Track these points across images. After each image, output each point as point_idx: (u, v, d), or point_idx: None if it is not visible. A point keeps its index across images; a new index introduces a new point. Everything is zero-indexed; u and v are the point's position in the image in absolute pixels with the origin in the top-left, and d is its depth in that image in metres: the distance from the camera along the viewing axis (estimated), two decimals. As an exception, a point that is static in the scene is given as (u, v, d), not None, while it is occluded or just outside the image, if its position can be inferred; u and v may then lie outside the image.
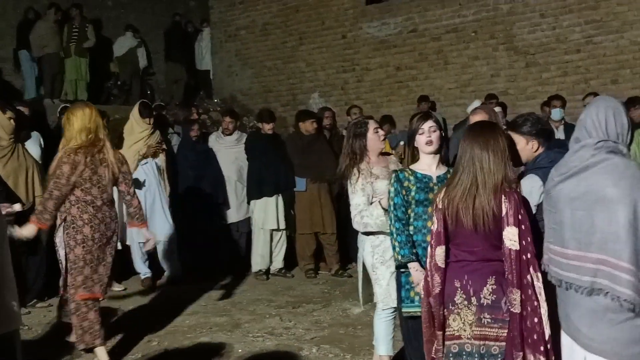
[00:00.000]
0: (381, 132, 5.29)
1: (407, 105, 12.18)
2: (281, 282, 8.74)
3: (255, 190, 8.83)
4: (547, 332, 3.64)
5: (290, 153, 9.02)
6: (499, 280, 3.72)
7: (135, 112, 8.51)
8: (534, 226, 3.84)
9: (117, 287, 8.17)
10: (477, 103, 9.74)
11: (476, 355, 3.76)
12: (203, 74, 15.72)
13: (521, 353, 3.65)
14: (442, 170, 4.56)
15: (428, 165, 4.56)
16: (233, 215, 9.08)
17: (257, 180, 8.79)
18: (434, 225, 3.86)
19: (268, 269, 9.00)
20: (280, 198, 8.88)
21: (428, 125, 4.51)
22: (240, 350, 6.01)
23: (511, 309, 3.67)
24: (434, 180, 4.48)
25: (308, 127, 9.11)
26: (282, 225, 8.90)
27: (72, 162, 5.31)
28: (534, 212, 4.01)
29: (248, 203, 9.05)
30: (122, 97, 14.31)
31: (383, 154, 5.36)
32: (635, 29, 10.66)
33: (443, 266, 3.81)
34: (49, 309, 7.23)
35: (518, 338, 3.66)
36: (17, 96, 11.85)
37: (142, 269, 8.50)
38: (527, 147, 4.19)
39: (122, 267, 8.44)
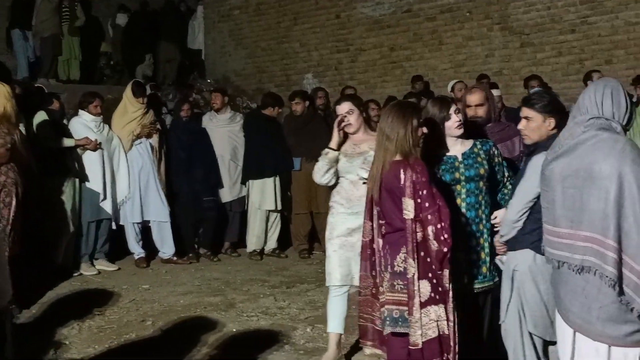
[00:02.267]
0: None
1: (401, 85, 12.14)
2: (275, 262, 8.74)
3: (254, 170, 8.82)
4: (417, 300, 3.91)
5: (285, 133, 9.03)
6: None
7: (128, 92, 8.47)
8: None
9: (111, 267, 8.17)
10: (450, 84, 9.76)
11: (388, 320, 4.01)
12: (196, 54, 15.62)
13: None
14: (467, 146, 4.55)
15: (451, 146, 4.56)
16: (226, 195, 9.04)
17: (256, 160, 8.77)
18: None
19: (262, 249, 9.00)
20: (277, 179, 8.88)
21: (453, 109, 4.52)
22: (234, 330, 6.02)
23: (407, 275, 3.91)
24: (460, 159, 4.48)
25: (294, 107, 9.16)
26: (279, 206, 8.92)
27: None
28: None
29: (242, 183, 9.03)
30: (115, 77, 14.22)
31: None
32: (630, 9, 10.63)
33: (368, 238, 4.24)
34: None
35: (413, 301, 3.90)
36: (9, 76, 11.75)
37: (136, 249, 8.49)
38: (544, 124, 4.12)
39: (116, 247, 8.46)
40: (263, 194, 8.86)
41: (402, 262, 3.95)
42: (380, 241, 4.11)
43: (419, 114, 4.15)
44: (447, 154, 4.47)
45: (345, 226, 4.97)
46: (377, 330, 4.20)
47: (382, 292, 4.04)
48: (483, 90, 5.21)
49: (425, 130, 4.13)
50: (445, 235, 3.87)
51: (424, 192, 3.90)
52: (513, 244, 4.14)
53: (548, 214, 3.49)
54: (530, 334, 4.14)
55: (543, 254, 3.87)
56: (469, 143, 4.55)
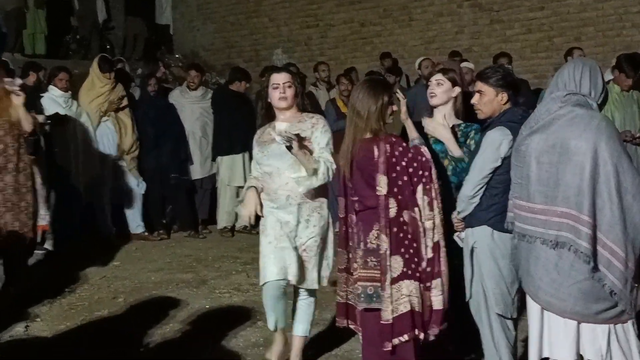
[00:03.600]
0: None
1: (372, 61, 12.08)
2: (246, 238, 8.71)
3: (223, 146, 8.76)
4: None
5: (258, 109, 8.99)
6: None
7: (95, 67, 8.37)
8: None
9: (80, 244, 8.11)
10: (417, 61, 9.78)
11: (362, 296, 4.03)
12: (163, 29, 15.45)
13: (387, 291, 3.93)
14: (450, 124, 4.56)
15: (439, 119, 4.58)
16: (197, 172, 8.99)
17: (225, 137, 8.72)
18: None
19: (233, 226, 8.97)
20: (247, 155, 8.82)
21: (436, 78, 4.53)
22: (207, 307, 6.01)
23: (379, 251, 3.95)
24: None
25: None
26: (249, 182, 8.87)
27: None
28: (499, 164, 4.01)
29: (213, 160, 8.98)
30: (81, 51, 14.00)
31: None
32: (599, -13, 10.70)
33: (342, 215, 4.23)
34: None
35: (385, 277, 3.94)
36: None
37: (108, 227, 8.43)
38: (496, 98, 4.14)
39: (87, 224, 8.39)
40: (232, 170, 8.81)
41: (374, 239, 3.97)
42: (354, 217, 4.12)
43: (389, 90, 4.16)
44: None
45: (274, 218, 4.40)
46: (352, 306, 4.21)
47: (356, 268, 4.05)
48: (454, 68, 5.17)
49: (395, 107, 4.14)
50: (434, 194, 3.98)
51: (402, 163, 3.94)
52: (470, 221, 4.15)
53: (521, 190, 3.51)
54: None
55: (501, 231, 3.92)
56: (453, 121, 4.57)
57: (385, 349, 3.94)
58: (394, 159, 3.94)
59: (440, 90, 4.57)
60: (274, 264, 4.38)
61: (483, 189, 4.07)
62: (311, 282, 4.49)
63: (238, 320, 5.62)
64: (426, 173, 3.98)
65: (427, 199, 3.97)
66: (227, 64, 13.69)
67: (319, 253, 4.49)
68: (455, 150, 4.38)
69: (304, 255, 4.43)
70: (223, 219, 8.93)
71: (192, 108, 8.97)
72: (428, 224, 3.98)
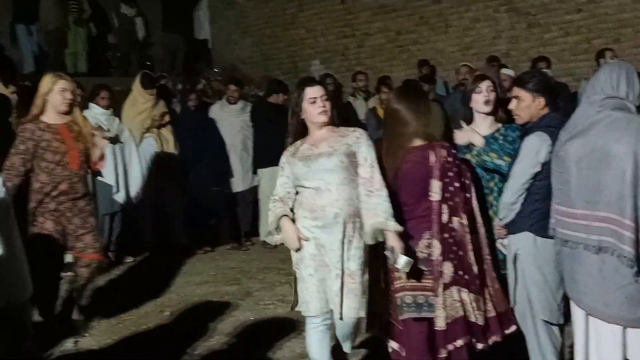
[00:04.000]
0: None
1: (409, 69, 12.08)
2: (288, 250, 8.69)
3: (263, 159, 8.84)
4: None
5: None
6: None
7: (137, 83, 8.49)
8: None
9: (126, 259, 8.22)
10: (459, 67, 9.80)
11: (413, 306, 3.96)
12: (202, 44, 15.62)
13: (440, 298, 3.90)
14: (493, 128, 4.56)
15: (477, 125, 4.56)
16: (239, 185, 9.07)
17: (264, 149, 8.79)
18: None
19: (275, 237, 9.01)
20: (287, 166, 8.89)
21: (486, 84, 4.52)
22: (252, 319, 6.06)
23: (432, 258, 3.92)
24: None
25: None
26: (290, 194, 8.93)
27: None
28: (539, 170, 4.01)
29: (254, 172, 9.06)
30: (122, 68, 14.21)
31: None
32: (636, -13, 10.58)
33: None
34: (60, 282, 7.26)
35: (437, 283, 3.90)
36: (14, 70, 11.76)
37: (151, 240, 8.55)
38: (533, 103, 4.15)
39: (131, 238, 8.51)
40: (273, 182, 8.70)
41: (425, 248, 3.95)
42: None
43: (426, 97, 4.18)
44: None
45: (313, 245, 4.10)
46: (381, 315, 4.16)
47: (399, 277, 4.02)
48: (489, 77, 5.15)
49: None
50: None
51: (453, 172, 3.94)
52: (512, 228, 4.16)
53: (562, 195, 3.51)
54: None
55: (544, 237, 3.90)
56: (495, 126, 4.56)
57: (440, 356, 3.93)
58: (447, 165, 3.93)
59: (494, 96, 4.59)
60: (318, 299, 4.09)
61: (523, 195, 4.07)
62: (356, 310, 4.08)
63: (283, 332, 5.66)
64: (473, 182, 4.01)
65: (475, 207, 4.00)
66: (265, 76, 13.78)
67: (364, 278, 4.11)
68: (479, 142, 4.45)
69: (349, 282, 4.06)
70: (265, 231, 8.98)
71: (232, 122, 9.06)
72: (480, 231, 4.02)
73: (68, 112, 5.59)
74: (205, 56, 15.50)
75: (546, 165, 3.93)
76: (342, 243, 4.04)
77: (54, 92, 5.49)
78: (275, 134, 8.73)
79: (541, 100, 4.14)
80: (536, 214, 4.03)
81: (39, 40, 12.60)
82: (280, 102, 9.09)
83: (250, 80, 14.01)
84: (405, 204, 4.05)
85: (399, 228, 3.86)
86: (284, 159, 4.32)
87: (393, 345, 4.14)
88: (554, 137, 3.85)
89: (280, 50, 14.32)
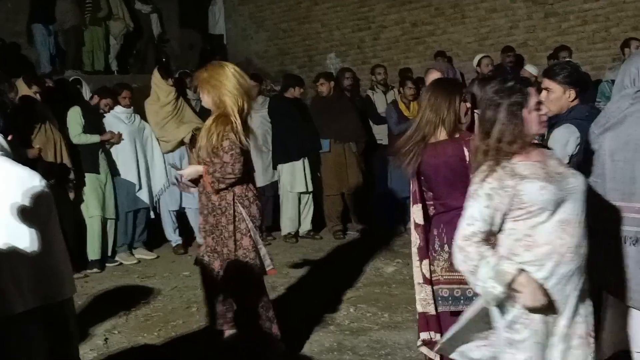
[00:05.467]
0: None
1: (425, 61, 12.04)
2: (310, 244, 8.80)
3: (282, 154, 8.88)
4: None
5: (313, 115, 9.09)
6: None
7: (155, 76, 8.52)
8: None
9: (150, 256, 8.28)
10: (477, 58, 9.77)
11: (450, 299, 3.97)
12: (217, 39, 15.64)
13: None
14: None
15: None
16: (259, 180, 9.04)
17: (283, 144, 8.83)
18: (411, 186, 4.17)
19: (297, 232, 9.07)
20: (306, 161, 8.93)
21: None
22: (279, 314, 6.07)
23: None
24: None
25: (320, 88, 9.29)
26: (310, 188, 8.98)
27: None
28: (566, 162, 4.00)
29: (274, 168, 9.10)
30: (138, 65, 14.27)
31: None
32: (655, -26, 10.52)
33: (422, 223, 4.11)
34: (85, 280, 7.34)
35: None
36: (32, 70, 11.84)
37: (173, 237, 8.61)
38: (563, 95, 4.12)
39: (153, 235, 8.57)
40: (293, 177, 8.92)
41: None
42: (433, 222, 4.09)
43: (460, 90, 4.11)
44: None
45: (540, 319, 3.01)
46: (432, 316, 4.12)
47: (435, 271, 4.02)
48: (439, 70, 5.07)
49: (469, 105, 4.08)
50: None
51: None
52: None
53: (596, 188, 3.50)
54: None
55: None
56: None
57: None
58: None
59: None
60: None
61: None
62: None
63: (310, 326, 5.70)
64: None
65: None
66: (281, 70, 13.80)
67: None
68: None
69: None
70: (287, 225, 9.04)
71: (252, 117, 9.04)
72: None
73: None
74: (220, 51, 15.53)
75: (574, 158, 3.93)
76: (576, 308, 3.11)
77: None
78: (294, 129, 8.81)
79: (572, 92, 4.11)
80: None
81: (55, 39, 12.67)
82: (297, 96, 9.12)
83: (266, 75, 14.02)
84: (438, 197, 4.04)
85: None
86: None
87: (430, 335, 4.13)
88: (581, 129, 3.85)
89: (296, 44, 14.31)
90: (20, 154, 5.98)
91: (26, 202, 2.59)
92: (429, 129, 4.01)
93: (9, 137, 2.80)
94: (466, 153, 3.92)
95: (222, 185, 4.75)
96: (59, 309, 2.78)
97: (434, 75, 4.97)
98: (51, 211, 2.76)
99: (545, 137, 4.26)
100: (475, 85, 4.48)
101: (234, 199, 4.81)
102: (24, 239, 2.57)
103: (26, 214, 2.58)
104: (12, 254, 2.53)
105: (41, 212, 2.67)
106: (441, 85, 4.14)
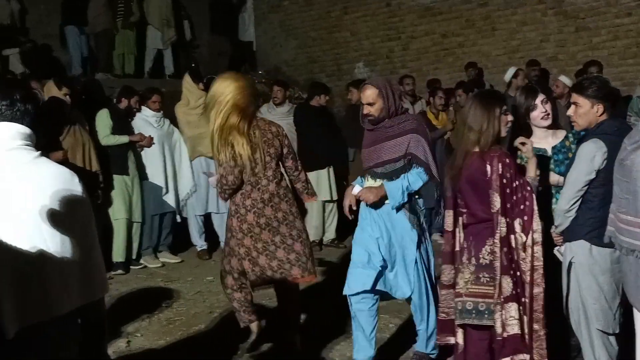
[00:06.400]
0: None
1: (454, 72, 12.06)
2: (334, 252, 8.79)
3: (308, 163, 8.85)
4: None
5: (343, 124, 9.13)
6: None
7: (187, 80, 8.59)
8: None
9: (174, 259, 8.31)
10: (511, 71, 9.66)
11: (473, 312, 3.96)
12: (246, 46, 15.71)
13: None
14: (559, 138, 4.52)
15: (541, 137, 4.53)
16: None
17: (308, 153, 8.83)
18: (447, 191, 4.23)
19: (321, 240, 9.06)
20: (331, 169, 8.93)
21: (539, 99, 4.48)
22: (301, 320, 6.06)
23: (493, 267, 3.90)
24: (549, 153, 4.46)
25: (349, 96, 9.39)
26: (335, 196, 8.96)
27: None
28: (593, 177, 3.97)
29: (299, 176, 9.09)
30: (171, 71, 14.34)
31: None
32: (688, -10, 10.43)
33: (450, 229, 4.14)
34: (110, 282, 7.36)
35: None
36: (63, 72, 11.96)
37: (199, 242, 8.64)
38: (591, 110, 4.10)
39: (179, 239, 8.60)
40: (318, 185, 8.91)
41: (487, 255, 3.93)
42: (463, 232, 4.09)
43: (502, 103, 4.07)
44: (536, 145, 4.35)
45: None
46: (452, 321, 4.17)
47: (458, 283, 4.02)
48: (376, 87, 4.73)
49: (510, 118, 4.06)
50: (534, 227, 3.87)
51: (513, 185, 3.89)
52: (568, 235, 4.12)
53: (628, 205, 3.46)
54: None
55: (599, 245, 3.87)
56: (561, 134, 4.51)
57: None
58: (504, 180, 3.88)
59: (549, 107, 4.54)
60: None
61: (578, 202, 4.03)
62: None
63: (333, 335, 5.68)
64: (527, 203, 3.92)
65: (523, 233, 3.92)
66: (310, 78, 13.82)
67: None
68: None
69: None
70: (311, 233, 8.94)
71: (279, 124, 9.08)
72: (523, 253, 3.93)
73: None
74: (249, 58, 15.59)
75: (601, 173, 3.90)
76: None
77: None
78: (319, 137, 8.81)
79: (600, 107, 4.09)
80: (591, 222, 3.99)
81: (87, 42, 12.79)
82: (322, 103, 9.13)
83: (295, 83, 14.07)
84: (467, 207, 4.06)
85: None
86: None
87: (457, 339, 4.14)
88: (610, 145, 3.82)
89: (325, 52, 14.35)
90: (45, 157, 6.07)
91: (71, 203, 2.63)
92: (469, 142, 4.01)
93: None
94: (488, 169, 3.90)
95: (224, 195, 5.09)
96: (97, 307, 2.81)
97: (369, 92, 4.71)
98: (92, 210, 2.79)
99: (574, 151, 4.24)
100: (518, 96, 4.47)
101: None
102: (71, 239, 2.60)
103: (68, 212, 2.61)
104: (61, 256, 2.56)
105: (85, 212, 2.71)
106: (481, 98, 4.10)
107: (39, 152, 2.68)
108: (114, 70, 12.83)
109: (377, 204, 4.72)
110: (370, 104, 4.68)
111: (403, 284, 4.72)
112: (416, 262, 4.67)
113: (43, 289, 2.51)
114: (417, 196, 4.73)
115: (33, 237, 2.50)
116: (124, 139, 7.79)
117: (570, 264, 4.12)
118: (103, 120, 7.77)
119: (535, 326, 3.91)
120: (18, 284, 2.42)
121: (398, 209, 4.65)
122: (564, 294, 4.19)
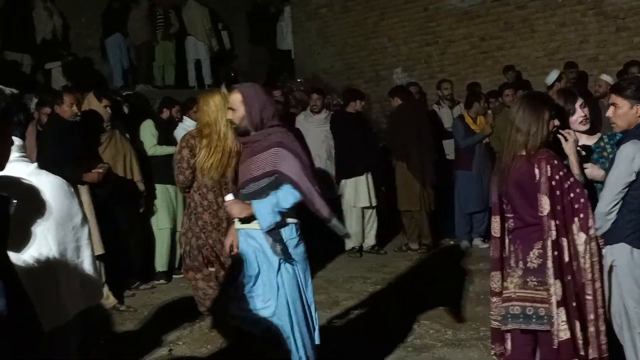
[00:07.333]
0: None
1: (494, 75, 11.97)
2: (374, 259, 8.78)
3: (345, 169, 8.89)
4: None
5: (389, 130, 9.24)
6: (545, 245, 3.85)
7: (223, 90, 8.61)
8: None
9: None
10: (555, 74, 9.52)
11: (521, 317, 3.90)
12: (284, 54, 15.79)
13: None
14: (593, 140, 4.47)
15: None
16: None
17: (346, 159, 8.85)
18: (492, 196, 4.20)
19: (361, 247, 9.05)
20: (369, 175, 8.91)
21: (578, 103, 4.43)
22: (342, 329, 6.07)
23: (543, 271, 3.83)
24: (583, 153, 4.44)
25: (393, 103, 9.30)
26: (374, 203, 8.95)
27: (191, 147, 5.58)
28: (633, 179, 3.91)
29: (337, 182, 9.10)
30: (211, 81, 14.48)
31: None
32: None
33: (497, 235, 4.09)
34: (152, 291, 7.46)
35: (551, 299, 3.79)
36: (105, 84, 12.15)
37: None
38: (631, 111, 4.04)
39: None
40: (357, 192, 8.91)
41: (535, 258, 3.87)
42: (510, 237, 4.04)
43: (550, 106, 4.01)
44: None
45: None
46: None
47: (508, 287, 3.96)
48: (241, 93, 4.40)
49: (557, 122, 3.99)
50: (590, 224, 3.83)
51: (565, 185, 3.84)
52: (608, 238, 4.05)
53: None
54: None
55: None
56: (595, 137, 4.46)
57: None
58: (553, 182, 3.82)
59: (587, 111, 4.48)
60: None
61: (619, 204, 3.98)
62: None
63: (374, 342, 5.67)
64: (581, 203, 3.86)
65: (581, 231, 3.86)
66: (348, 85, 13.81)
67: None
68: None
69: None
70: (350, 240, 9.02)
71: (317, 131, 9.14)
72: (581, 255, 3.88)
73: None
74: (288, 67, 15.66)
75: (640, 175, 3.86)
76: None
77: None
78: (355, 144, 8.81)
79: (639, 108, 4.03)
80: (632, 225, 3.94)
81: (128, 54, 12.97)
82: (358, 109, 9.12)
83: (333, 90, 14.09)
84: (515, 211, 4.00)
85: None
86: None
87: (506, 345, 4.08)
88: (652, 145, 3.77)
89: (363, 59, 14.34)
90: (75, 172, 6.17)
91: (66, 209, 2.74)
92: (516, 145, 3.95)
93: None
94: (536, 172, 3.84)
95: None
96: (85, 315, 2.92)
97: (233, 96, 4.43)
98: (85, 215, 2.90)
99: (609, 151, 4.19)
100: (557, 99, 4.42)
101: None
102: (71, 246, 2.72)
103: (69, 221, 2.73)
104: (65, 262, 2.67)
105: (79, 218, 2.81)
106: (531, 100, 4.03)
107: (35, 164, 2.79)
108: (155, 81, 12.99)
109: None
110: (232, 109, 4.37)
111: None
112: (278, 288, 4.43)
113: (57, 294, 2.63)
114: (287, 223, 4.35)
115: (41, 245, 2.62)
116: (170, 149, 7.85)
117: (611, 267, 4.06)
118: (149, 130, 7.88)
119: (591, 328, 3.85)
120: (37, 291, 2.48)
121: (271, 230, 4.26)
122: (606, 297, 4.13)
